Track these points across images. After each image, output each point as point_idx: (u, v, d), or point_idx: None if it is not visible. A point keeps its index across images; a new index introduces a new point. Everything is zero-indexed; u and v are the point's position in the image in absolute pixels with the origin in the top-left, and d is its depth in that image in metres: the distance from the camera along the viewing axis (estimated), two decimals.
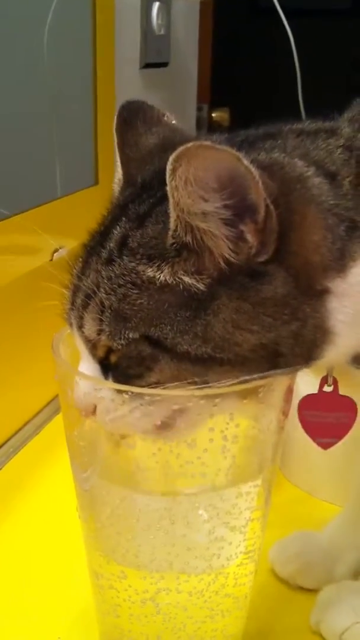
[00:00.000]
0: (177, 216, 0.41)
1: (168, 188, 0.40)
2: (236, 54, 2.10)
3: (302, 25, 1.32)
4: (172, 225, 0.41)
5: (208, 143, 0.38)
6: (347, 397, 0.52)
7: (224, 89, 1.71)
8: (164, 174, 0.41)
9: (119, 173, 0.52)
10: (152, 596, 0.50)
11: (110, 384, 0.44)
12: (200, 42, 1.54)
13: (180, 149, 0.38)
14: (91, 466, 0.49)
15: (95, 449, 0.49)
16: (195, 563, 0.49)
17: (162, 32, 1.26)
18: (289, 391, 0.48)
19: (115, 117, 0.53)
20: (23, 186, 0.89)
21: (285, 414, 0.48)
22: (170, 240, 0.42)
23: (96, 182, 1.04)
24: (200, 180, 0.39)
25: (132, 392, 0.43)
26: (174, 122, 0.54)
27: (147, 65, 1.25)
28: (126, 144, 0.52)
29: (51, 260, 0.87)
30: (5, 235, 0.82)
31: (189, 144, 0.38)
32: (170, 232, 0.42)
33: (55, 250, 0.87)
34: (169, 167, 0.39)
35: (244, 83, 2.09)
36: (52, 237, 0.89)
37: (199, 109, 1.63)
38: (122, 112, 0.53)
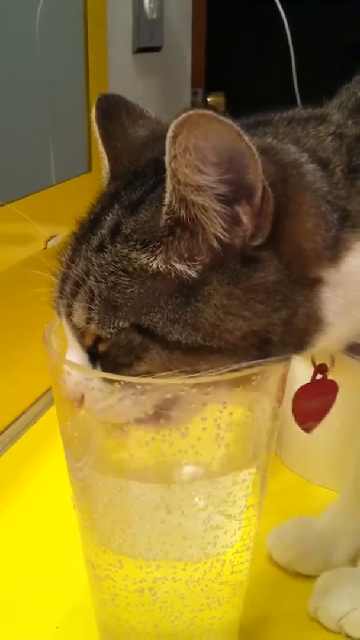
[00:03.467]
0: (173, 188, 0.40)
1: (166, 157, 0.39)
2: (231, 37, 2.08)
3: (297, 9, 1.31)
4: (167, 199, 0.41)
5: (211, 113, 0.38)
6: (331, 380, 0.52)
7: (219, 73, 1.70)
8: (157, 163, 0.41)
9: (105, 165, 0.51)
10: (149, 585, 0.50)
11: (101, 374, 0.44)
12: (194, 26, 1.52)
13: (183, 115, 0.38)
14: (85, 456, 0.49)
15: (89, 440, 0.49)
16: (191, 551, 0.49)
17: (155, 15, 1.25)
18: (283, 379, 0.47)
19: (94, 109, 0.52)
20: (17, 174, 0.89)
21: (279, 401, 0.48)
22: (164, 218, 0.41)
23: (89, 170, 1.03)
24: (199, 150, 0.39)
25: (123, 382, 0.43)
26: (153, 116, 0.54)
27: (140, 50, 1.24)
28: (112, 136, 0.51)
29: (45, 248, 0.86)
30: None
31: (191, 112, 0.38)
32: (164, 209, 0.41)
33: (49, 239, 0.87)
34: (169, 134, 0.38)
35: (239, 67, 2.07)
36: (45, 225, 0.88)
37: (194, 93, 1.62)
38: (100, 104, 0.52)
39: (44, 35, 0.90)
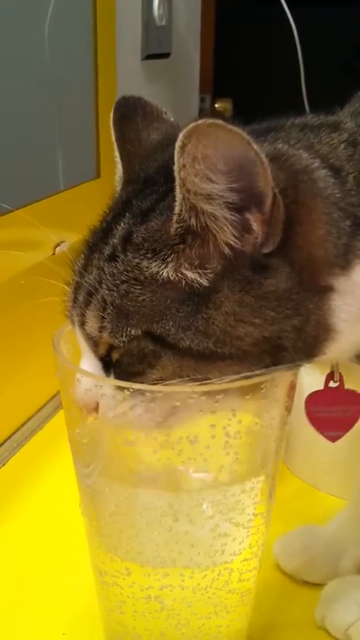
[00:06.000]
0: (183, 197, 0.40)
1: (175, 166, 0.39)
2: (238, 43, 2.08)
3: (305, 14, 1.32)
4: (177, 208, 0.41)
5: (220, 122, 0.38)
6: (353, 390, 0.52)
7: (227, 79, 1.70)
8: (168, 169, 0.41)
9: (119, 169, 0.51)
10: (156, 593, 0.50)
11: (111, 381, 0.44)
12: (203, 32, 1.53)
13: (191, 125, 0.38)
14: (93, 463, 0.49)
15: (98, 447, 0.49)
16: (199, 559, 0.49)
17: (164, 22, 1.25)
18: (292, 387, 0.47)
19: (112, 112, 0.52)
20: (25, 180, 0.89)
21: (288, 409, 0.48)
22: (174, 227, 0.41)
23: (98, 175, 1.04)
24: (208, 160, 0.39)
25: (133, 389, 0.43)
26: (172, 119, 0.53)
27: (149, 57, 1.24)
28: (127, 139, 0.51)
29: (53, 254, 0.86)
30: (6, 229, 0.82)
31: (200, 121, 0.38)
32: (174, 217, 0.41)
33: (57, 245, 0.87)
34: (178, 143, 0.38)
35: (246, 73, 2.07)
36: (53, 231, 0.88)
37: (202, 99, 1.62)
38: (119, 107, 0.52)
39: (52, 41, 0.90)
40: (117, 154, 0.51)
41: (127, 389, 0.43)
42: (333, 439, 0.54)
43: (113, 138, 0.52)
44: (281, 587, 0.63)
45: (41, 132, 0.93)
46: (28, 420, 0.89)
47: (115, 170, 0.52)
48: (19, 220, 0.82)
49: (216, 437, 0.45)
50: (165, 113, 0.53)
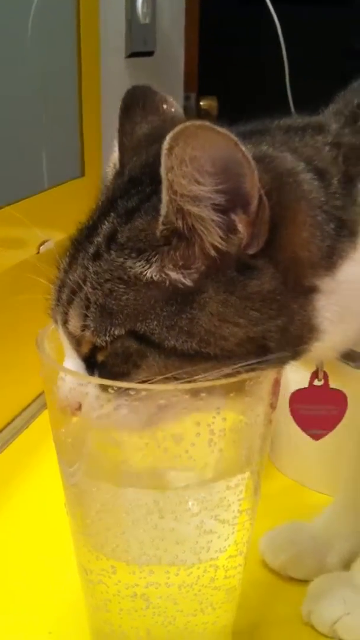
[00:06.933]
0: (169, 199, 0.40)
1: (162, 168, 0.39)
2: (223, 42, 2.09)
3: (289, 13, 1.32)
4: (163, 210, 0.41)
5: (207, 124, 0.38)
6: (338, 390, 0.53)
7: (212, 78, 1.70)
8: (153, 169, 0.40)
9: (114, 157, 0.51)
10: (142, 590, 0.50)
11: (95, 379, 0.44)
12: (187, 30, 1.53)
13: (179, 127, 0.38)
14: (78, 462, 0.49)
15: (82, 446, 0.49)
16: (184, 556, 0.49)
17: (147, 20, 1.25)
18: (276, 383, 0.48)
19: (121, 101, 0.52)
20: (9, 178, 0.89)
21: (272, 406, 0.48)
22: (160, 228, 0.41)
23: (82, 174, 1.03)
24: (196, 161, 0.39)
25: (117, 388, 0.43)
26: (173, 108, 0.53)
27: (133, 55, 1.24)
28: (125, 132, 0.52)
29: (38, 253, 0.86)
30: None
31: (188, 123, 0.38)
32: (160, 219, 0.41)
33: (42, 243, 0.86)
34: (165, 145, 0.38)
35: (231, 71, 2.07)
36: (38, 230, 0.88)
37: (187, 98, 1.62)
38: (126, 97, 0.52)
39: (36, 39, 0.90)
40: (115, 143, 0.51)
41: (111, 387, 0.43)
42: (316, 437, 0.54)
43: (116, 129, 0.52)
44: (267, 583, 0.63)
45: (25, 131, 0.93)
46: (13, 419, 0.89)
47: (109, 160, 0.52)
48: (4, 218, 0.82)
49: (201, 435, 0.45)
50: (167, 103, 0.53)
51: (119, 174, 0.50)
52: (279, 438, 0.75)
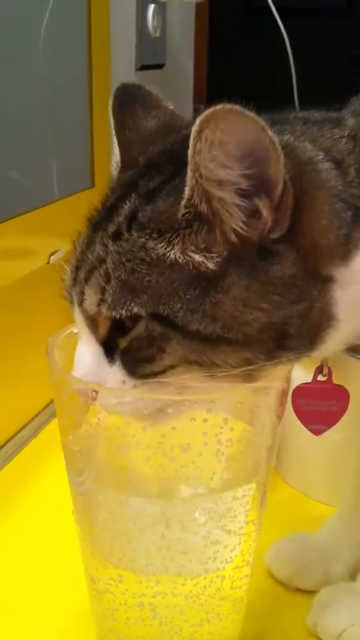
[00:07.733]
0: (195, 182, 0.40)
1: (190, 151, 0.39)
2: (232, 54, 2.10)
3: (297, 25, 1.33)
4: (187, 193, 0.41)
5: (237, 107, 0.38)
6: (341, 386, 0.53)
7: (221, 90, 1.71)
8: (173, 154, 0.41)
9: (116, 155, 0.52)
10: (148, 600, 0.50)
11: (103, 388, 0.44)
12: (196, 43, 1.54)
13: (209, 110, 0.38)
14: (86, 470, 0.49)
15: (91, 454, 0.49)
16: (191, 566, 0.49)
17: (158, 33, 1.26)
18: (284, 394, 0.48)
19: (111, 99, 0.52)
20: (20, 189, 0.89)
21: (279, 417, 0.48)
22: (182, 211, 0.42)
23: (92, 185, 1.04)
24: (224, 145, 0.39)
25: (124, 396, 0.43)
26: (171, 107, 0.54)
27: (143, 67, 1.25)
28: (125, 126, 0.52)
29: (48, 263, 0.87)
30: (1, 238, 0.82)
31: (218, 106, 0.38)
32: (183, 202, 0.41)
33: (52, 253, 0.87)
34: (195, 128, 0.38)
35: (240, 83, 2.09)
36: (48, 240, 0.89)
37: (196, 110, 1.62)
38: (118, 94, 0.53)
39: (47, 51, 0.91)
40: (114, 140, 0.52)
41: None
42: (317, 432, 0.55)
43: (111, 124, 0.52)
44: (273, 594, 0.63)
45: (36, 142, 0.94)
46: (23, 427, 0.89)
47: (111, 159, 0.52)
48: (15, 229, 0.83)
49: (208, 445, 0.46)
50: (164, 101, 0.54)
51: (125, 167, 0.50)
52: (285, 449, 0.75)
